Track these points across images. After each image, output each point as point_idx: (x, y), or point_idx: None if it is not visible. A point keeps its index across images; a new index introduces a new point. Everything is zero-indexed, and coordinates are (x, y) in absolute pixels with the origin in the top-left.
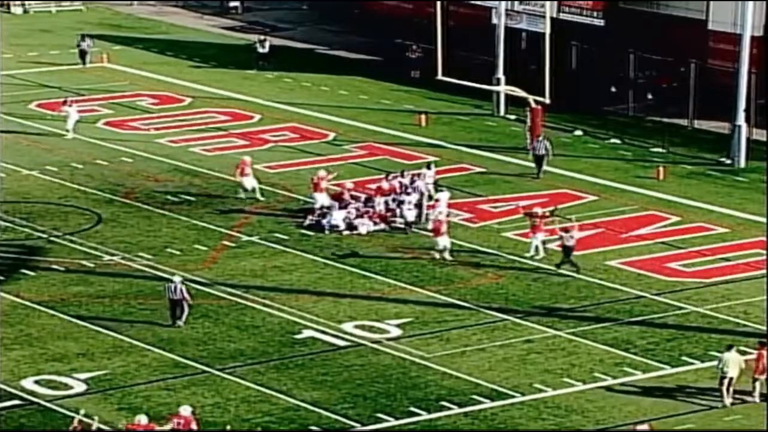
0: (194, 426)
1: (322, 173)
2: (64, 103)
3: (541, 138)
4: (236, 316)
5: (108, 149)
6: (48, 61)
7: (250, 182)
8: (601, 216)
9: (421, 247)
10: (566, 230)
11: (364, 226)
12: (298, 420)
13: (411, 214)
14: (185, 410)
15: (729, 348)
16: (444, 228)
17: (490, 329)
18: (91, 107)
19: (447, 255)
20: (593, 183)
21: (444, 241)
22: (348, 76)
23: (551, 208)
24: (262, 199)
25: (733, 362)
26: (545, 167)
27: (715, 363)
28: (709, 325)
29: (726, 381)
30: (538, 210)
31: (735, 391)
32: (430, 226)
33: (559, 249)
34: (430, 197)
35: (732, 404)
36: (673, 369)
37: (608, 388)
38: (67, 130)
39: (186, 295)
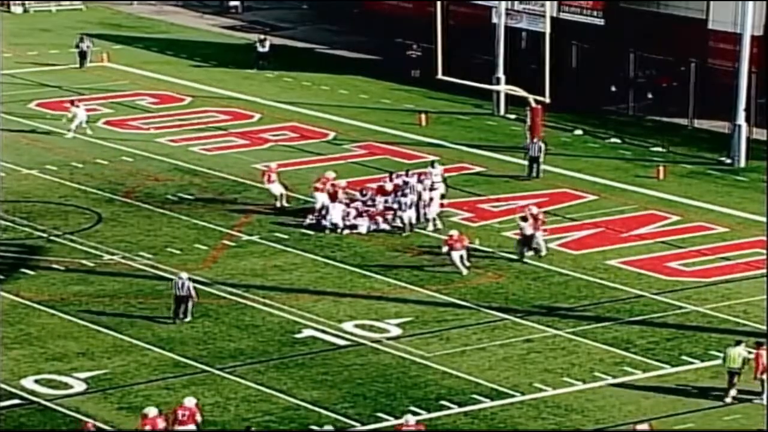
0: (198, 417)
1: (330, 174)
2: (72, 103)
3: (535, 140)
4: (236, 316)
5: (108, 148)
6: (48, 61)
7: (277, 189)
8: (601, 215)
9: (421, 246)
10: (524, 219)
11: (364, 225)
12: (298, 419)
13: (409, 215)
14: (189, 401)
15: (737, 343)
16: (456, 242)
17: (490, 328)
18: (91, 106)
19: (466, 263)
20: (593, 182)
21: (458, 254)
22: (348, 75)
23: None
24: (287, 205)
25: (738, 357)
26: (543, 166)
27: (717, 361)
28: (709, 324)
29: (735, 377)
30: (534, 209)
31: (743, 391)
32: (430, 227)
33: (519, 237)
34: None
35: (732, 402)
36: (673, 368)
37: (609, 387)
38: (69, 129)
39: (192, 291)
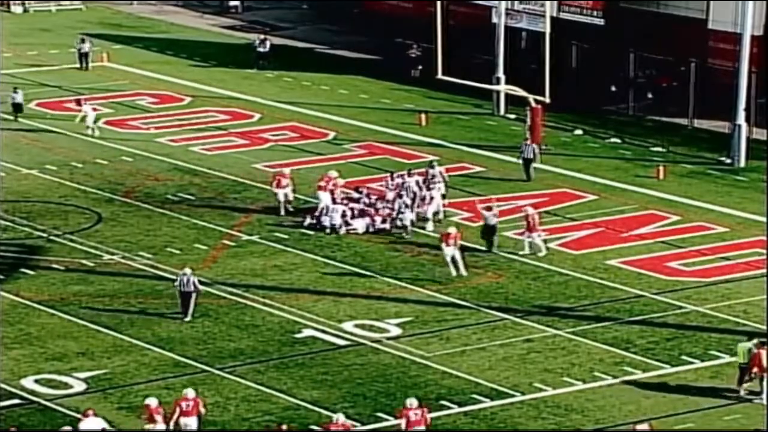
0: (202, 408)
1: (333, 173)
2: (78, 102)
3: (528, 142)
4: (236, 316)
5: (108, 148)
6: (48, 61)
7: (283, 195)
8: (601, 215)
9: (420, 245)
10: (489, 209)
11: (362, 225)
12: (298, 419)
13: (407, 216)
14: (191, 392)
15: (750, 339)
16: (451, 239)
17: (490, 328)
18: (91, 106)
19: (462, 270)
20: (593, 182)
21: (451, 251)
22: (348, 75)
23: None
24: (291, 209)
25: (746, 352)
26: (536, 165)
27: (717, 361)
28: (709, 324)
29: (745, 372)
30: (529, 209)
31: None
32: (429, 227)
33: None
34: (444, 196)
35: (736, 397)
36: (673, 368)
37: (609, 387)
38: (89, 127)
39: (198, 285)
